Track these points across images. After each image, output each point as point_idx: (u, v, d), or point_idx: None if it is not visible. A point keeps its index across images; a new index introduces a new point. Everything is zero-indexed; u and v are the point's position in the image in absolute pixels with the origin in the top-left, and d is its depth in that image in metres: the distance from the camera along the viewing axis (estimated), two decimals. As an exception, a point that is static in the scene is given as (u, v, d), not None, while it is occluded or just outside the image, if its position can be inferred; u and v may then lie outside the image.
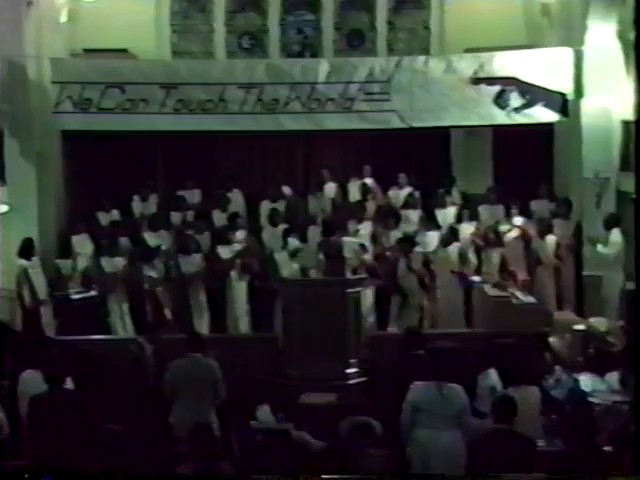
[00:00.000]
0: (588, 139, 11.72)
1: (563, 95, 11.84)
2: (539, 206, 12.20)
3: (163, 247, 11.37)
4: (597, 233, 11.10)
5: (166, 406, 7.66)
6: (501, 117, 11.96)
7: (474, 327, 10.59)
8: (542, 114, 11.93)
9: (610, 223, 10.88)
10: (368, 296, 10.60)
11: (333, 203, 12.86)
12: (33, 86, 11.94)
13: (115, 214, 12.45)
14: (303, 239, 11.47)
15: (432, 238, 11.44)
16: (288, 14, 14.51)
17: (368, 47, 14.46)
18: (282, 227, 11.51)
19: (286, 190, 12.99)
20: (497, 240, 11.28)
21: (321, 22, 14.46)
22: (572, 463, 6.00)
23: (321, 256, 10.54)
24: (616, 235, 10.75)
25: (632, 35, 9.76)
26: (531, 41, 13.22)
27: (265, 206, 12.49)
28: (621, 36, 11.38)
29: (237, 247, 11.06)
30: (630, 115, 11.05)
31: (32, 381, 7.18)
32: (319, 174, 13.30)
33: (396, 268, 10.75)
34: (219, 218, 12.18)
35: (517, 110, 11.89)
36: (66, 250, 11.18)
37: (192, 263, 10.87)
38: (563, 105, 11.85)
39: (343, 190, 13.14)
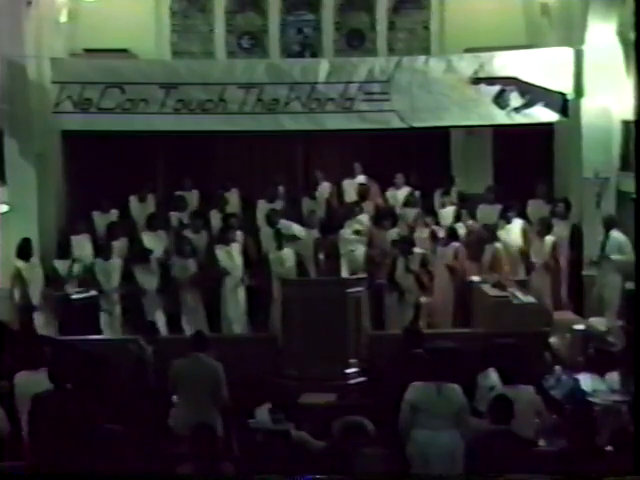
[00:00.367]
0: (588, 139, 11.73)
1: (563, 95, 11.83)
2: (535, 206, 12.19)
3: (161, 247, 11.41)
4: (596, 233, 11.12)
5: (166, 406, 7.66)
6: (501, 117, 11.96)
7: (474, 327, 10.58)
8: (542, 114, 11.93)
9: (609, 225, 10.90)
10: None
11: (327, 203, 12.83)
12: (33, 86, 11.93)
13: (114, 214, 12.44)
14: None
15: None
16: (288, 14, 14.50)
17: (368, 47, 14.46)
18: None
19: (280, 190, 12.98)
20: (491, 237, 11.30)
21: (321, 22, 14.46)
22: (572, 463, 5.99)
23: (321, 256, 10.57)
24: (616, 236, 10.78)
25: (632, 35, 9.78)
26: (531, 41, 13.22)
27: (261, 206, 12.51)
28: (621, 36, 11.39)
29: (235, 247, 11.07)
30: (630, 115, 11.06)
31: (26, 382, 7.16)
32: (316, 174, 13.28)
33: (394, 267, 10.78)
34: (216, 218, 12.19)
35: (517, 110, 11.88)
36: (65, 250, 11.18)
37: (187, 266, 10.88)
38: (563, 105, 11.85)
39: (339, 190, 13.13)
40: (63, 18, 13.14)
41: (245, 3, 14.52)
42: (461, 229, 11.58)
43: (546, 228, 11.35)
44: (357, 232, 11.27)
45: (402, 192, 12.77)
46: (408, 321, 10.48)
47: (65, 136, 12.49)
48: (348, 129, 12.16)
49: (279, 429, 7.01)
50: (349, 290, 9.56)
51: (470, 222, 11.81)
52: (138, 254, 11.00)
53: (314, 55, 14.23)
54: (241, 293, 11.10)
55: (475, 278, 11.01)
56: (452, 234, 11.30)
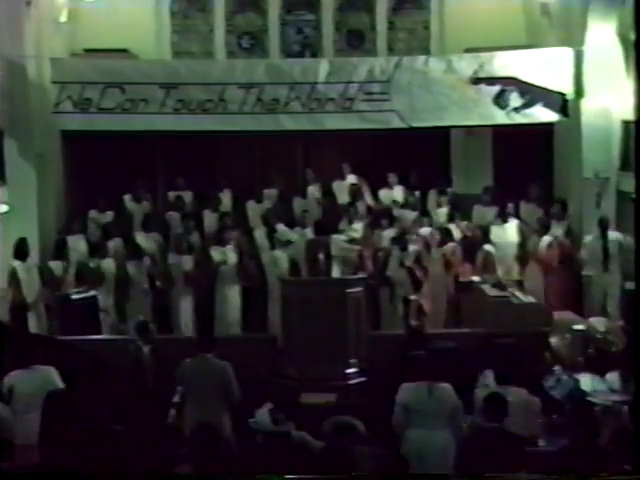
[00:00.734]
0: (588, 139, 11.73)
1: (563, 95, 11.83)
2: (527, 209, 12.21)
3: (154, 248, 11.46)
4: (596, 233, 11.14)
5: (164, 406, 7.67)
6: (501, 117, 11.96)
7: (473, 327, 10.59)
8: (542, 114, 11.93)
9: (603, 226, 10.92)
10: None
11: (318, 203, 12.81)
12: (33, 86, 11.94)
13: (109, 214, 12.43)
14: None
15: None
16: (288, 14, 14.50)
17: (368, 47, 14.45)
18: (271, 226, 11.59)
19: (272, 191, 12.97)
20: (484, 239, 11.35)
21: (321, 22, 14.45)
22: (572, 463, 5.99)
23: (316, 256, 10.60)
24: (614, 236, 10.80)
25: (632, 35, 9.77)
26: (531, 41, 13.22)
27: (251, 206, 12.50)
28: (621, 36, 11.39)
29: (230, 248, 11.08)
30: (630, 115, 11.06)
31: (18, 381, 7.15)
32: (316, 174, 13.28)
33: (387, 262, 10.84)
34: (210, 218, 12.19)
35: (517, 110, 11.88)
36: (60, 251, 11.19)
37: (183, 263, 10.91)
38: (563, 105, 11.85)
39: (330, 191, 13.11)
40: (63, 18, 13.14)
41: (245, 3, 14.51)
42: (455, 230, 11.60)
43: (544, 228, 11.37)
44: (352, 240, 11.28)
45: (395, 191, 12.79)
46: (398, 317, 10.56)
47: (65, 136, 12.50)
48: (348, 129, 12.17)
49: (280, 430, 7.01)
50: (349, 290, 9.56)
51: (464, 223, 11.83)
52: (131, 252, 11.05)
53: (314, 55, 14.23)
54: (235, 293, 11.11)
55: (475, 278, 11.03)
56: (447, 234, 11.33)
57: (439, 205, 12.44)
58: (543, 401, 7.25)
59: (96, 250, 11.27)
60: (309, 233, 11.40)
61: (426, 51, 13.92)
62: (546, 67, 11.81)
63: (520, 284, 10.91)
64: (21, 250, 10.68)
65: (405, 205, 12.47)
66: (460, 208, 12.14)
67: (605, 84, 11.57)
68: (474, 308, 10.86)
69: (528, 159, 12.76)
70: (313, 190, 13.01)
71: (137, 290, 10.78)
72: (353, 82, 11.94)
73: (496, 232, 11.62)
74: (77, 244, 11.62)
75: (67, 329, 10.32)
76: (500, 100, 11.87)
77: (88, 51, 13.35)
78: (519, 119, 11.92)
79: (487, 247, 11.29)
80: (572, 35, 12.00)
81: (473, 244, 11.48)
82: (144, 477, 5.84)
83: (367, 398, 8.58)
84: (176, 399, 7.71)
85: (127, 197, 12.76)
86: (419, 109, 11.94)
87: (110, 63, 12.29)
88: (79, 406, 6.54)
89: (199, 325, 10.82)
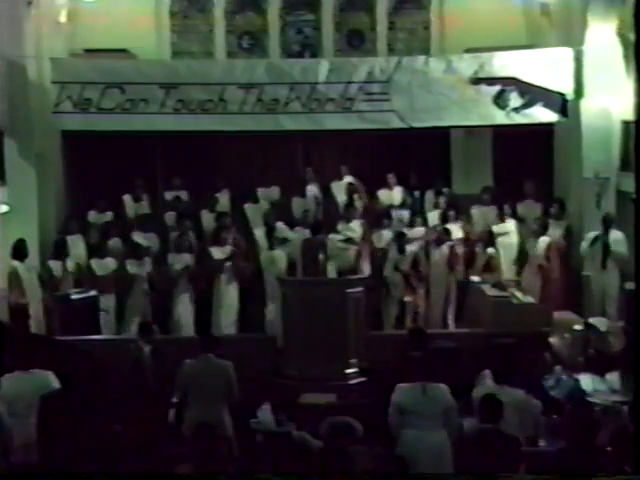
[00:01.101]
0: (588, 139, 11.73)
1: (563, 95, 11.83)
2: (525, 206, 12.22)
3: (152, 248, 11.47)
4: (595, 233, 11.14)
5: (164, 406, 7.66)
6: (501, 117, 11.95)
7: (473, 327, 10.60)
8: (542, 114, 11.92)
9: (607, 223, 10.92)
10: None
11: (317, 203, 12.79)
12: (33, 86, 11.94)
13: (109, 214, 12.43)
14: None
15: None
16: (288, 14, 14.48)
17: (368, 47, 14.44)
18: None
19: (275, 191, 12.97)
20: (489, 239, 11.36)
21: (321, 22, 14.43)
22: (572, 463, 5.99)
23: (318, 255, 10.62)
24: (616, 235, 10.80)
25: (632, 35, 9.77)
26: (531, 41, 13.21)
27: (249, 207, 12.52)
28: (621, 36, 11.39)
29: (229, 248, 11.09)
30: (630, 115, 11.06)
31: (16, 382, 7.12)
32: (315, 174, 13.27)
33: (384, 263, 10.87)
34: (208, 218, 12.20)
35: (517, 110, 11.88)
36: (59, 251, 11.20)
37: (182, 261, 10.93)
38: (563, 105, 11.84)
39: (328, 191, 13.12)
40: (63, 18, 13.14)
41: (245, 3, 14.50)
42: (458, 230, 11.60)
43: (542, 228, 11.38)
44: (348, 240, 11.29)
45: (395, 192, 12.79)
46: (394, 318, 10.57)
47: (65, 136, 12.49)
48: (348, 129, 12.16)
49: (281, 431, 7.02)
50: (349, 290, 9.56)
51: (461, 224, 11.83)
52: (131, 250, 11.08)
53: (314, 55, 14.20)
54: (233, 292, 11.12)
55: (475, 278, 11.04)
56: (446, 234, 11.34)
57: (436, 205, 12.44)
58: (543, 401, 7.24)
59: (96, 250, 11.27)
60: (308, 233, 11.41)
61: (426, 51, 13.90)
62: (546, 67, 11.81)
63: (520, 284, 10.92)
64: (20, 251, 10.67)
65: (403, 206, 12.47)
66: (458, 208, 12.14)
67: (605, 84, 11.57)
68: (474, 308, 10.88)
69: (528, 159, 12.77)
70: (312, 189, 13.02)
71: (137, 290, 10.79)
72: (353, 82, 11.92)
73: (497, 232, 11.63)
74: (77, 244, 11.62)
75: (67, 329, 10.32)
76: (500, 100, 11.87)
77: (88, 51, 13.35)
78: (519, 119, 11.91)
79: (490, 250, 11.28)
80: (572, 35, 12.00)
81: (475, 245, 11.47)
82: (144, 477, 5.84)
83: (367, 398, 8.58)
84: (175, 399, 7.70)
85: (127, 197, 12.76)
86: (419, 109, 11.94)
87: (110, 63, 12.29)
88: (78, 406, 6.54)
89: (199, 325, 10.84)
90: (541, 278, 11.27)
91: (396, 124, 11.97)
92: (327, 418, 6.59)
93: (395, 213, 12.23)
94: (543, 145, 12.86)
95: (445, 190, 12.82)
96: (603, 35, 11.50)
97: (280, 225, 11.57)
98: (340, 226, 11.74)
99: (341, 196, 12.75)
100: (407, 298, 10.80)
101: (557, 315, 10.24)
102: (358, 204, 12.38)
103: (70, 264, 11.12)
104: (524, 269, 11.45)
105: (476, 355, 8.24)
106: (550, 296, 11.10)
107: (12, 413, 6.90)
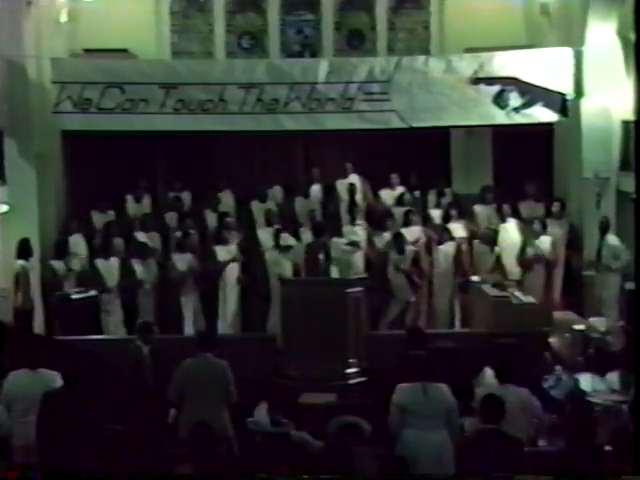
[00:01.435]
0: (588, 139, 11.74)
1: (563, 95, 11.83)
2: (526, 207, 12.22)
3: (157, 247, 11.51)
4: (596, 233, 11.14)
5: (164, 406, 7.66)
6: (501, 117, 11.96)
7: (473, 327, 10.60)
8: (542, 114, 11.92)
9: (604, 228, 10.93)
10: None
11: (320, 203, 12.80)
12: (33, 86, 11.94)
13: (111, 214, 12.44)
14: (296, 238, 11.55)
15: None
16: (288, 14, 14.49)
17: (368, 47, 14.45)
18: (275, 227, 11.58)
19: (277, 191, 12.96)
20: (493, 238, 11.35)
21: (321, 22, 14.44)
22: (572, 463, 5.99)
23: (320, 257, 10.61)
24: (612, 242, 10.82)
25: (632, 35, 9.77)
26: (531, 41, 13.22)
27: (255, 206, 12.51)
28: (621, 36, 11.39)
29: (233, 248, 11.08)
30: (630, 115, 11.07)
31: (20, 381, 7.13)
32: (315, 174, 13.27)
33: (385, 265, 10.84)
34: (211, 218, 12.20)
35: (517, 110, 11.88)
36: (61, 250, 11.20)
37: (185, 261, 10.94)
38: (563, 105, 11.84)
39: (333, 191, 13.12)
40: (63, 18, 13.14)
41: (245, 3, 14.51)
42: (461, 230, 11.60)
43: (543, 227, 11.38)
44: (352, 243, 11.28)
45: (397, 192, 12.78)
46: (394, 318, 10.64)
47: (65, 136, 12.50)
48: (348, 129, 12.16)
49: (280, 431, 7.00)
50: (349, 290, 9.56)
51: (464, 223, 11.83)
52: (136, 250, 11.07)
53: (314, 55, 14.21)
54: (236, 293, 11.12)
55: (475, 278, 11.03)
56: (448, 233, 11.37)
57: (437, 205, 12.43)
58: (543, 401, 7.24)
59: (99, 250, 11.27)
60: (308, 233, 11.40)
61: (426, 51, 13.92)
62: (546, 67, 11.81)
63: (520, 284, 10.91)
64: (25, 250, 10.68)
65: (400, 204, 12.45)
66: (458, 208, 12.13)
67: (605, 84, 11.57)
68: (474, 308, 10.88)
69: (528, 159, 12.75)
70: (316, 190, 13.01)
71: (141, 289, 10.80)
72: (353, 82, 11.93)
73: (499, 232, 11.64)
74: (78, 244, 11.62)
75: (67, 329, 10.32)
76: (500, 100, 11.87)
77: (88, 51, 13.36)
78: (519, 119, 11.92)
79: (497, 248, 11.26)
80: (572, 35, 12.01)
81: (479, 243, 11.48)
82: (144, 477, 5.84)
83: (367, 398, 8.58)
84: (169, 398, 7.66)
85: (129, 197, 12.76)
86: (419, 109, 11.94)
87: (110, 63, 12.29)
88: (78, 406, 6.54)
89: (203, 324, 10.85)
90: (544, 277, 11.26)
91: (396, 124, 11.97)
92: (336, 417, 6.57)
93: (396, 211, 12.22)
94: (543, 145, 12.87)
95: (447, 190, 12.82)
96: (603, 35, 11.51)
97: (283, 235, 11.50)
98: (345, 229, 11.71)
99: (344, 195, 12.76)
100: (412, 298, 10.80)
101: (557, 315, 10.25)
102: (361, 204, 12.35)
103: (75, 264, 11.11)
104: (527, 269, 11.41)
105: (476, 355, 8.23)
106: (551, 296, 11.11)
107: (14, 412, 6.92)
